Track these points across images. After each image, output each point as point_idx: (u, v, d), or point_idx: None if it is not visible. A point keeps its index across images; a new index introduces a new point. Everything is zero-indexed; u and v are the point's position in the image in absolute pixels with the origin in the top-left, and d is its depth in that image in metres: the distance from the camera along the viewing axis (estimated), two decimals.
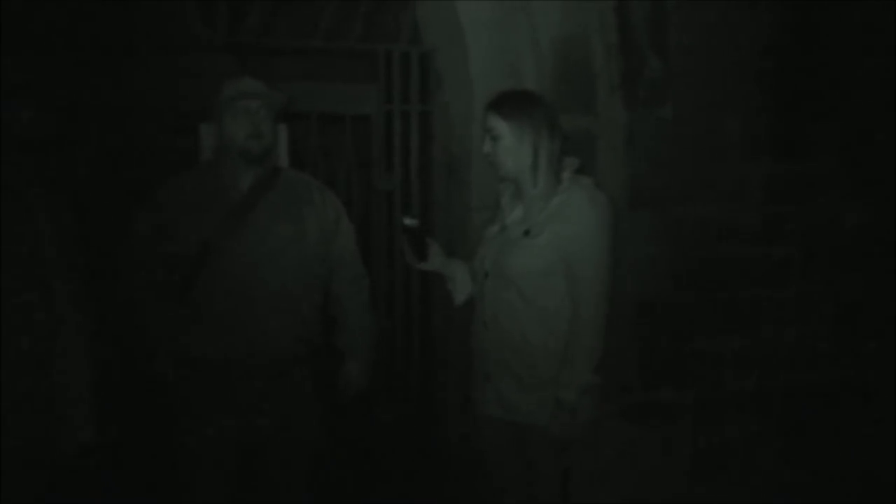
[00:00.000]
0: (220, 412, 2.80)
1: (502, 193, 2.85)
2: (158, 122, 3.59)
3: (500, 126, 2.68)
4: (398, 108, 3.69)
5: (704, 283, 3.62)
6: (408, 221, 2.85)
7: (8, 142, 2.46)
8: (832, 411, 3.85)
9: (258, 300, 2.77)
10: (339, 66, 3.68)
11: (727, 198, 3.62)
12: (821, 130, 3.79)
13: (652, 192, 3.50)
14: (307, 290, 2.91)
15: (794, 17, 3.67)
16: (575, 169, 2.75)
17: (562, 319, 2.67)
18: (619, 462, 3.45)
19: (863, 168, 3.86)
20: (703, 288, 3.62)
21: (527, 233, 2.68)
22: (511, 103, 2.70)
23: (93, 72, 3.30)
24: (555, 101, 3.22)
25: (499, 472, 2.91)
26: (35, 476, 2.45)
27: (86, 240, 2.62)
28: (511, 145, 2.68)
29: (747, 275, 3.68)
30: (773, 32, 3.64)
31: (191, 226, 2.78)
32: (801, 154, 3.75)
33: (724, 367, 3.68)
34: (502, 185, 2.85)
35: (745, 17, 3.59)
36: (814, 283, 3.80)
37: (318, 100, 3.59)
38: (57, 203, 2.50)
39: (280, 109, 2.93)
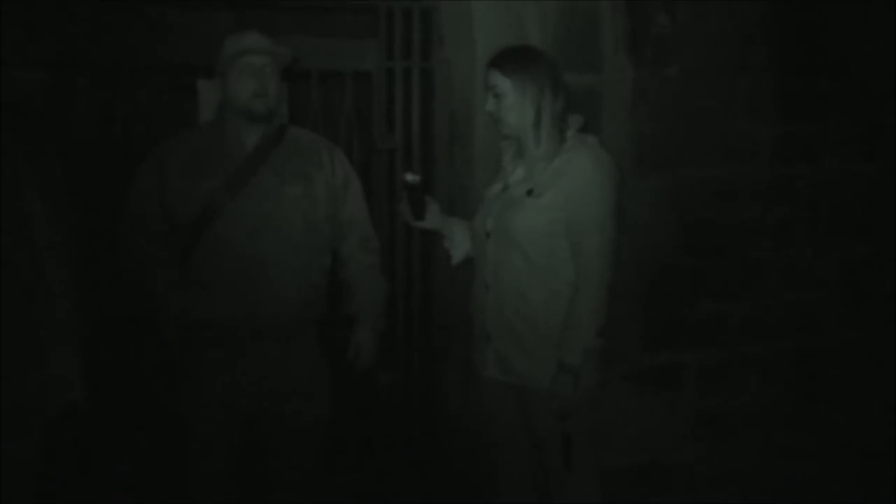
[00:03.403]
0: (224, 377, 2.75)
1: (504, 152, 2.81)
2: (154, 79, 3.53)
3: (503, 83, 2.63)
4: (399, 65, 3.62)
5: (710, 245, 3.59)
6: (409, 178, 2.81)
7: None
8: (838, 375, 3.84)
9: (265, 263, 2.72)
10: (339, 21, 3.61)
11: (734, 158, 3.59)
12: (829, 91, 3.74)
13: (658, 152, 3.47)
14: (315, 252, 2.86)
15: None
16: (579, 127, 2.70)
17: (564, 281, 2.64)
18: (623, 425, 3.43)
19: (871, 129, 3.81)
20: (708, 250, 3.59)
21: (530, 192, 2.64)
22: (513, 60, 2.65)
23: (85, 27, 3.24)
24: (559, 59, 3.16)
25: (500, 435, 2.90)
26: (25, 435, 2.43)
27: (80, 201, 2.59)
28: (514, 103, 2.63)
29: (754, 237, 3.66)
30: None
31: (194, 186, 2.72)
32: (809, 115, 3.72)
33: (729, 330, 3.66)
34: (504, 144, 2.80)
35: None
36: (821, 245, 3.78)
37: (318, 56, 3.51)
38: (47, 164, 2.46)
39: (285, 66, 2.86)
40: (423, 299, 3.74)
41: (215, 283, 2.71)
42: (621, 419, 3.42)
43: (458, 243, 2.90)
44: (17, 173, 2.39)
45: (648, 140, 3.45)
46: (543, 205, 2.61)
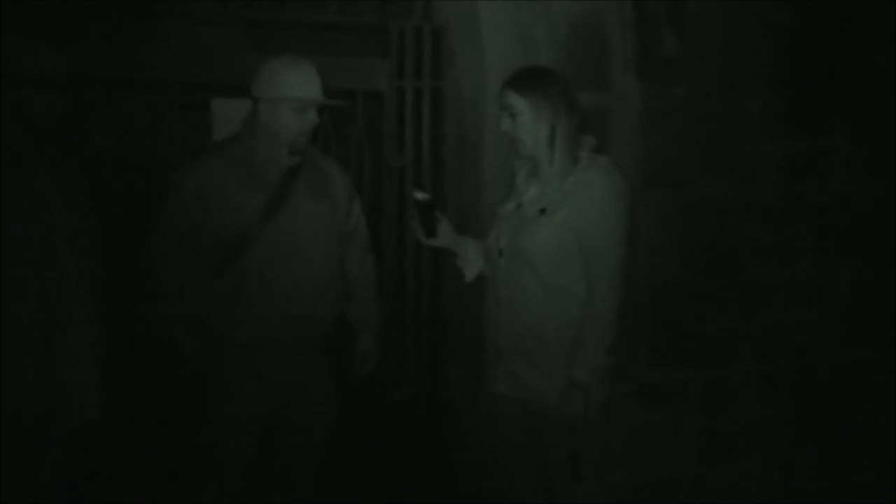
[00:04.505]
0: (251, 390, 2.78)
1: (518, 171, 2.83)
2: (167, 96, 3.56)
3: (518, 103, 2.66)
4: (410, 85, 3.65)
5: (717, 263, 3.60)
6: (419, 195, 2.83)
7: (14, 118, 2.43)
8: (844, 393, 3.84)
9: (303, 279, 2.77)
10: (350, 41, 3.64)
11: (742, 177, 3.60)
12: (837, 109, 3.76)
13: (666, 170, 3.49)
14: (338, 266, 2.92)
15: None
16: (592, 148, 2.73)
17: (576, 299, 2.66)
18: (630, 442, 3.44)
19: (878, 147, 3.83)
20: (715, 268, 3.60)
21: (543, 211, 2.67)
22: (529, 80, 2.69)
23: (100, 44, 3.27)
24: (569, 78, 3.20)
25: (509, 452, 2.91)
26: (41, 452, 2.45)
27: (99, 213, 2.61)
28: (529, 122, 2.66)
29: (761, 254, 3.67)
30: (790, 11, 3.60)
31: (233, 204, 2.73)
32: (816, 133, 3.73)
33: (736, 347, 3.67)
34: (518, 163, 2.83)
35: None
36: (828, 262, 3.79)
37: (329, 75, 3.53)
38: (68, 175, 2.48)
39: None
40: (433, 316, 3.76)
41: (255, 301, 2.74)
42: (628, 435, 3.43)
43: (471, 261, 2.93)
44: (38, 185, 2.41)
45: (657, 158, 3.47)
46: (556, 223, 2.64)
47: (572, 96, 2.72)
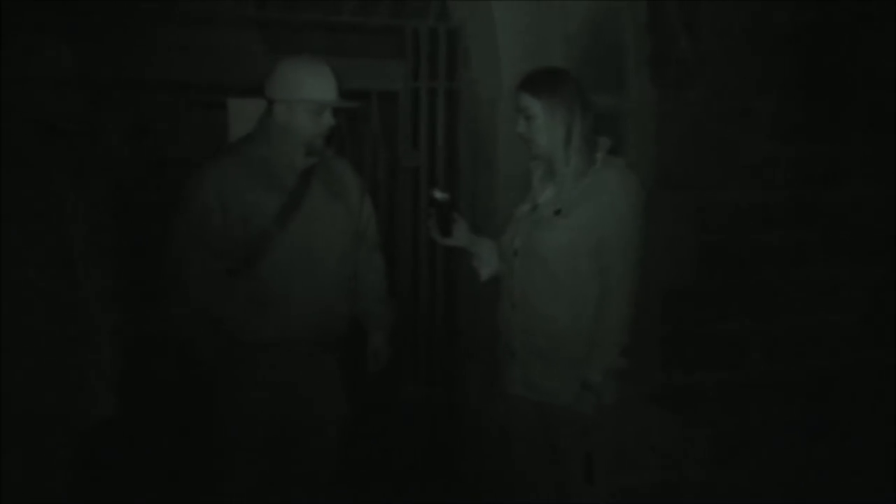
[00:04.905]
0: (270, 390, 2.79)
1: (534, 172, 2.84)
2: (183, 96, 3.57)
3: (533, 105, 2.67)
4: (425, 85, 3.67)
5: (730, 266, 3.61)
6: (438, 195, 2.83)
7: (31, 123, 2.45)
8: (855, 396, 3.84)
9: (321, 279, 2.78)
10: (366, 41, 3.66)
11: (755, 180, 3.61)
12: (849, 113, 3.76)
13: (679, 173, 3.49)
14: (352, 264, 2.93)
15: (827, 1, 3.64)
16: (607, 149, 2.74)
17: (590, 300, 2.67)
18: (641, 443, 3.45)
19: (891, 150, 3.82)
20: (728, 270, 3.61)
21: (558, 212, 2.67)
22: (543, 82, 2.69)
23: (115, 44, 3.29)
24: (583, 80, 3.21)
25: (522, 452, 2.91)
26: (52, 451, 2.46)
27: (112, 215, 2.62)
28: (544, 124, 2.67)
29: (773, 258, 3.67)
30: (805, 15, 3.60)
31: (252, 204, 2.73)
32: (829, 137, 3.73)
33: (748, 350, 3.67)
34: (534, 164, 2.84)
35: None
36: (840, 266, 3.78)
37: (345, 76, 3.55)
38: (81, 177, 2.49)
39: None
40: (447, 315, 3.77)
41: (271, 302, 2.74)
42: (640, 437, 3.43)
43: (486, 261, 2.93)
44: (54, 186, 2.42)
45: (670, 161, 3.47)
46: (570, 225, 2.65)
47: (586, 97, 2.72)
